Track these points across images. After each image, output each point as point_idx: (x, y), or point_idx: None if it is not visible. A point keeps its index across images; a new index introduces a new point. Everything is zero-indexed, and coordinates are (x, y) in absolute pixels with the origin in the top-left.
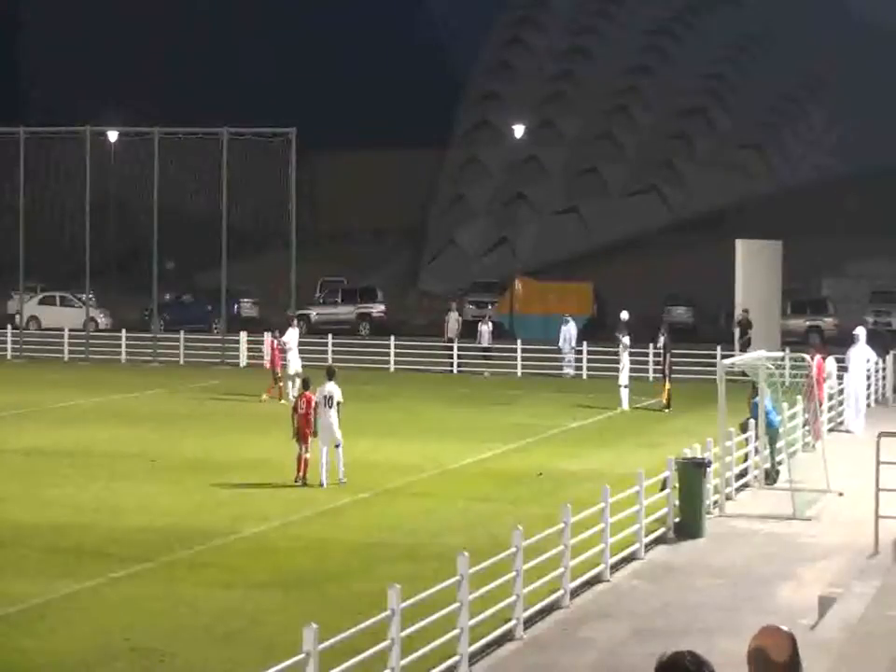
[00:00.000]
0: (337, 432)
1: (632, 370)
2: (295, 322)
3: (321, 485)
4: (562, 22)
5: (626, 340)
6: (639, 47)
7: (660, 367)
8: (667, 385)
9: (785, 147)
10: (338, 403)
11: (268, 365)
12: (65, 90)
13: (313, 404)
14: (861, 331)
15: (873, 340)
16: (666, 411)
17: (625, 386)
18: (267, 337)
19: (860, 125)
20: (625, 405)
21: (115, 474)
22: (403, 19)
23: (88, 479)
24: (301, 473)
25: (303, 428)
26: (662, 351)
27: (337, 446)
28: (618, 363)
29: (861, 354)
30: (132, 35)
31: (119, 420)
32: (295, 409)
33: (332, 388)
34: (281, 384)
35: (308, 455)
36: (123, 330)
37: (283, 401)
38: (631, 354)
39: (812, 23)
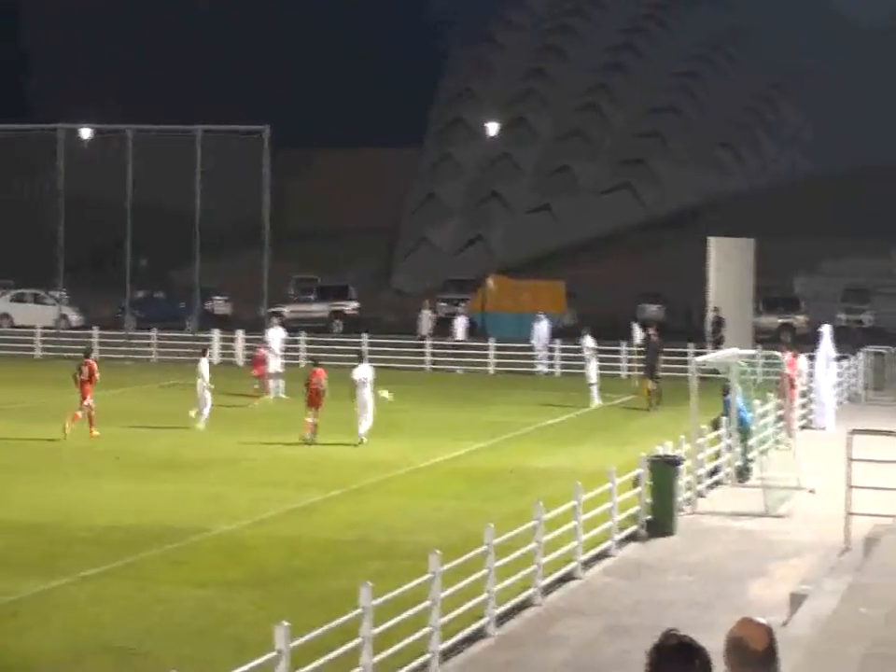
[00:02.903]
0: (370, 408)
1: (602, 367)
2: (276, 321)
3: (361, 442)
4: (535, 20)
5: (591, 343)
6: (613, 45)
7: (645, 365)
8: (651, 385)
9: (758, 145)
10: (371, 382)
11: (256, 372)
12: (38, 88)
13: (323, 381)
14: (825, 329)
15: (843, 337)
16: (654, 409)
17: (594, 384)
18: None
19: (833, 125)
20: (597, 401)
21: (86, 472)
22: (376, 18)
23: (59, 477)
24: (309, 433)
25: (314, 399)
26: (649, 349)
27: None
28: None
29: (823, 351)
30: (106, 33)
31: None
32: (308, 383)
33: (367, 370)
34: (258, 385)
35: (314, 421)
36: (95, 328)
37: (258, 403)
38: (601, 353)
39: (787, 22)
